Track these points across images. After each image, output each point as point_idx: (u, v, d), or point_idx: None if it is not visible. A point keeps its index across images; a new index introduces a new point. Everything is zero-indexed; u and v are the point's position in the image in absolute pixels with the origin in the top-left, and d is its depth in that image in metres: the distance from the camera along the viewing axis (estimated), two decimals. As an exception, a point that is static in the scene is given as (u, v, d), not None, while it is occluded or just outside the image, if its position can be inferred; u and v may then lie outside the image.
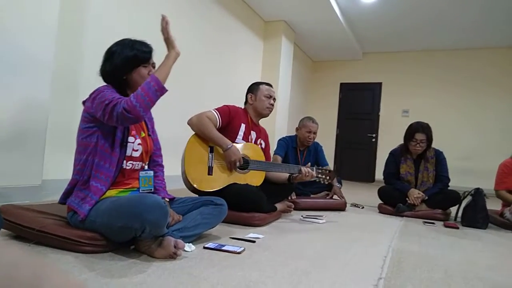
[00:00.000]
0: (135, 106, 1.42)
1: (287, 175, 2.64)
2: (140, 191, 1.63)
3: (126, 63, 1.58)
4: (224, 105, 2.53)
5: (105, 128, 1.53)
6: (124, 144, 1.57)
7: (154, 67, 1.66)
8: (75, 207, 1.48)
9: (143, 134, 1.69)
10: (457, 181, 4.34)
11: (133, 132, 1.62)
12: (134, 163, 1.64)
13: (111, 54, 1.60)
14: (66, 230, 1.45)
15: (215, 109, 2.46)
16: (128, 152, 1.59)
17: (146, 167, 1.72)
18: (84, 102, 1.59)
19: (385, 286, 1.34)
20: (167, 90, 1.52)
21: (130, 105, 1.41)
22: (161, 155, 1.86)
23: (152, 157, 1.79)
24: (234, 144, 2.39)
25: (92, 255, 1.40)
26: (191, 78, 4.25)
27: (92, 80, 2.91)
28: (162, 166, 1.86)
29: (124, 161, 1.58)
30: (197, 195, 2.31)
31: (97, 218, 1.42)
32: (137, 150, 1.63)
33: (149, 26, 3.56)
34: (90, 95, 1.54)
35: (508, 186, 3.15)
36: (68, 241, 1.41)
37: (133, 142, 1.61)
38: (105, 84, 1.61)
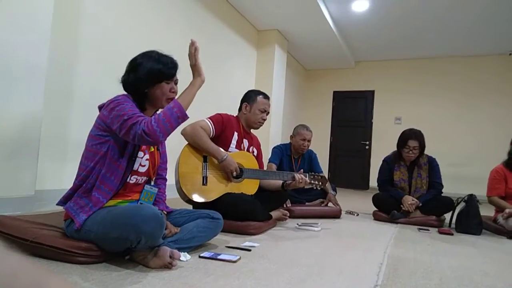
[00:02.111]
0: (155, 131, 1.40)
1: (280, 182, 2.65)
2: (139, 203, 1.62)
3: (150, 77, 1.55)
4: (217, 114, 2.53)
5: (118, 140, 1.50)
6: (133, 158, 1.55)
7: (176, 83, 1.63)
8: (72, 213, 1.45)
9: (152, 149, 1.67)
10: (450, 188, 4.37)
11: (143, 147, 1.60)
12: (139, 177, 1.62)
13: (136, 66, 1.57)
14: (60, 240, 1.44)
15: (209, 118, 2.46)
16: (135, 167, 1.57)
17: (152, 182, 1.69)
18: (100, 108, 1.56)
19: (381, 293, 1.35)
20: (188, 117, 1.51)
21: (151, 129, 1.39)
22: (166, 168, 1.84)
23: (157, 170, 1.77)
24: (228, 152, 2.39)
25: (87, 266, 1.38)
26: (185, 86, 4.25)
27: (87, 89, 2.90)
28: (165, 180, 1.84)
29: (129, 175, 1.56)
30: (191, 205, 2.30)
31: (93, 228, 1.41)
32: (144, 166, 1.61)
33: (144, 36, 3.59)
34: (108, 103, 1.50)
35: (500, 193, 3.18)
36: (62, 252, 1.40)
37: (141, 157, 1.59)
38: (124, 93, 1.58)
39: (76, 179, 1.52)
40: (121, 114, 1.43)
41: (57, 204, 1.55)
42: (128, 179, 1.56)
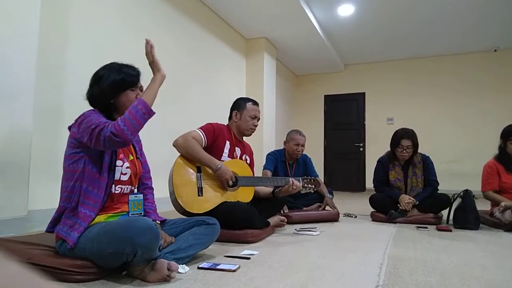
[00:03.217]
0: (123, 130, 1.40)
1: (270, 189, 2.65)
2: (130, 215, 1.60)
3: (114, 87, 1.57)
4: (208, 124, 2.52)
5: (92, 152, 1.50)
6: (112, 168, 1.54)
7: (141, 90, 1.65)
8: (63, 235, 1.44)
9: (131, 157, 1.67)
10: (446, 185, 4.39)
11: (121, 156, 1.60)
12: (123, 186, 1.61)
13: (98, 78, 1.59)
14: (55, 260, 1.42)
15: (200, 128, 2.46)
16: (117, 176, 1.57)
17: (135, 190, 1.69)
18: (70, 128, 1.57)
19: (383, 294, 1.34)
20: (154, 113, 1.52)
21: (118, 129, 1.40)
22: (150, 178, 1.85)
23: (142, 180, 1.77)
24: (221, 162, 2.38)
25: (84, 284, 1.36)
26: (176, 99, 4.25)
27: (77, 104, 2.88)
28: (152, 189, 1.84)
29: (113, 185, 1.56)
30: (187, 216, 2.28)
31: (87, 245, 1.39)
32: (125, 174, 1.61)
33: (133, 46, 3.59)
34: (76, 120, 1.52)
35: (494, 187, 3.19)
36: (58, 271, 1.37)
37: (121, 166, 1.59)
38: (91, 108, 1.59)
39: (60, 201, 1.52)
40: (88, 125, 1.44)
41: (46, 231, 1.54)
42: (113, 189, 1.56)
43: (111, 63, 1.63)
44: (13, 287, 0.33)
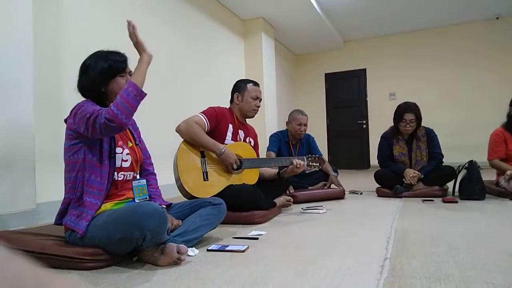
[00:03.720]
0: (116, 114, 1.40)
1: (275, 171, 2.65)
2: (136, 201, 1.62)
3: (102, 75, 1.56)
4: (210, 108, 2.51)
5: (90, 142, 1.51)
6: (112, 155, 1.55)
7: (130, 75, 1.63)
8: (71, 225, 1.46)
9: (130, 144, 1.67)
10: (450, 157, 4.38)
11: (120, 143, 1.61)
12: (126, 173, 1.62)
13: (85, 68, 1.59)
14: (66, 249, 1.44)
15: (202, 112, 2.44)
16: (118, 163, 1.58)
17: (137, 176, 1.70)
18: (66, 120, 1.57)
19: (391, 266, 1.35)
20: (146, 94, 1.51)
21: (112, 114, 1.40)
22: (151, 163, 1.85)
23: (143, 166, 1.78)
24: (225, 145, 2.38)
25: (96, 271, 1.38)
26: (175, 84, 4.22)
27: (75, 98, 2.87)
28: (154, 174, 1.85)
29: (115, 173, 1.57)
30: (194, 200, 2.30)
31: (96, 233, 1.40)
32: (126, 161, 1.61)
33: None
34: (71, 111, 1.53)
35: (501, 155, 3.18)
36: (70, 259, 1.39)
37: (121, 153, 1.59)
38: (84, 99, 1.59)
39: (64, 193, 1.54)
40: (83, 115, 1.44)
41: (54, 223, 1.56)
42: (115, 176, 1.57)
43: (96, 52, 1.62)
44: (20, 281, 0.33)
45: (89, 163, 1.49)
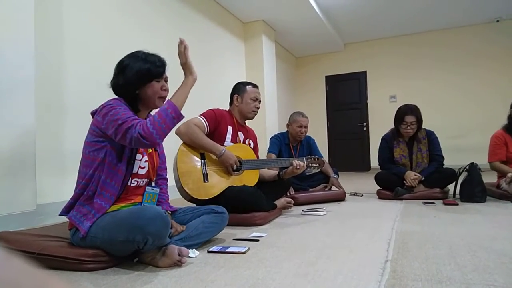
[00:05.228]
0: (151, 133, 1.39)
1: (275, 172, 2.66)
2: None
3: (139, 77, 1.52)
4: (209, 110, 2.51)
5: (115, 144, 1.48)
6: (131, 162, 1.53)
7: (166, 81, 1.61)
8: (76, 222, 1.45)
9: (150, 150, 1.65)
10: (451, 160, 4.38)
11: (141, 149, 1.58)
12: (139, 180, 1.60)
13: (123, 68, 1.54)
14: (67, 250, 1.44)
15: (201, 115, 2.45)
16: (135, 170, 1.56)
17: (153, 183, 1.68)
18: (93, 114, 1.54)
19: (392, 268, 1.35)
20: (183, 117, 1.50)
21: (147, 132, 1.38)
22: (165, 168, 1.83)
23: (157, 171, 1.75)
24: (224, 147, 2.38)
25: (97, 272, 1.38)
26: (176, 86, 4.22)
27: (77, 99, 2.87)
28: (166, 179, 1.84)
29: (130, 179, 1.55)
30: (194, 204, 2.29)
31: (98, 234, 1.40)
32: (143, 168, 1.60)
33: (131, 39, 3.55)
34: (101, 109, 1.48)
35: (501, 157, 3.18)
36: (70, 261, 1.39)
37: (140, 160, 1.57)
38: (115, 97, 1.55)
39: (76, 187, 1.51)
40: (115, 118, 1.41)
41: (60, 214, 1.54)
42: (129, 182, 1.55)
43: (136, 52, 1.58)
44: (17, 283, 0.33)
45: (108, 165, 1.47)
